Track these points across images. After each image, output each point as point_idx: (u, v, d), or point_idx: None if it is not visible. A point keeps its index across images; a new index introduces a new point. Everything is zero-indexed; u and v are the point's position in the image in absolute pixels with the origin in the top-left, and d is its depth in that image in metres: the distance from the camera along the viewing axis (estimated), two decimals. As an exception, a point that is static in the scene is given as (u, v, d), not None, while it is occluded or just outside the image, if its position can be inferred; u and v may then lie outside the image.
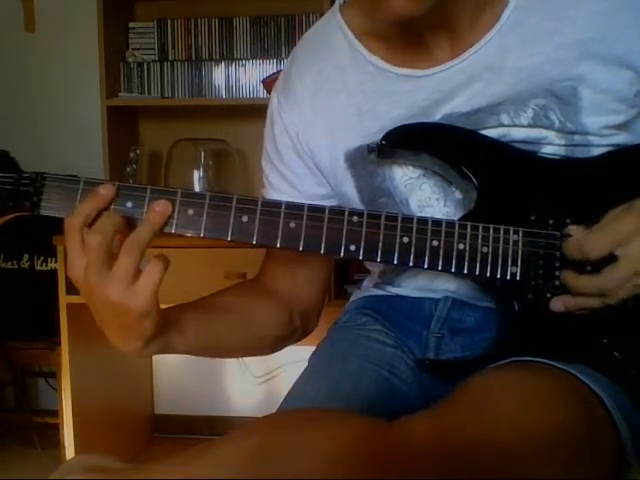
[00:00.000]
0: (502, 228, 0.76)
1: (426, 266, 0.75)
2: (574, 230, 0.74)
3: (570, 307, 0.75)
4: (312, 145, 0.87)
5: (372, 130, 0.82)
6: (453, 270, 0.75)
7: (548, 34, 0.78)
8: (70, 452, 2.04)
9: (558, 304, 0.75)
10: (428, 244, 0.75)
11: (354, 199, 0.87)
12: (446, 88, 0.81)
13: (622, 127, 0.80)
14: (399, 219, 0.75)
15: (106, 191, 0.70)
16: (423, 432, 0.59)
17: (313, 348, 0.94)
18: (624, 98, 0.79)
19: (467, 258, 0.75)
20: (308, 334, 0.97)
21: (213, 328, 0.82)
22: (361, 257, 0.75)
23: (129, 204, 0.72)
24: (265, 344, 0.91)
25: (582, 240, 0.73)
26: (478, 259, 0.75)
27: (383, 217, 0.75)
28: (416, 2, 0.69)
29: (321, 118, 0.86)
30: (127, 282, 0.68)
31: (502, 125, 0.79)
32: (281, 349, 0.94)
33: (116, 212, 0.71)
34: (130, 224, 0.71)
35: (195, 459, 0.60)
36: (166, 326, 0.75)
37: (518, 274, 0.76)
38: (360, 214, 0.75)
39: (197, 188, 2.23)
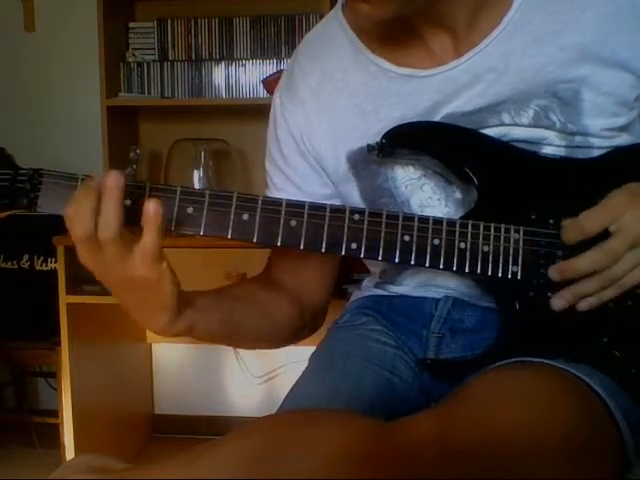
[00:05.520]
0: (503, 227, 0.76)
1: (427, 264, 0.75)
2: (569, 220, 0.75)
3: (569, 298, 0.74)
4: (316, 145, 0.87)
5: (374, 131, 0.82)
6: (454, 269, 0.75)
7: (552, 36, 0.78)
8: (70, 452, 2.04)
9: (558, 301, 0.75)
10: (429, 242, 0.74)
11: (356, 199, 0.86)
12: (448, 89, 0.80)
13: (623, 129, 0.80)
14: (400, 217, 0.74)
15: (113, 180, 0.67)
16: (424, 432, 0.59)
17: (313, 348, 0.94)
18: (625, 101, 0.79)
19: (468, 257, 0.75)
20: (316, 330, 0.97)
21: (234, 315, 0.83)
22: (362, 255, 0.74)
23: (127, 202, 0.71)
24: (280, 335, 0.91)
25: (577, 220, 0.74)
26: (479, 258, 0.75)
27: (384, 215, 0.74)
28: (378, 10, 0.72)
29: (324, 118, 0.86)
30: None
31: (503, 124, 0.79)
32: (293, 343, 0.94)
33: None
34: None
35: (195, 459, 0.60)
36: (190, 305, 0.75)
37: (519, 273, 0.76)
38: (361, 212, 0.74)
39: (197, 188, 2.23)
